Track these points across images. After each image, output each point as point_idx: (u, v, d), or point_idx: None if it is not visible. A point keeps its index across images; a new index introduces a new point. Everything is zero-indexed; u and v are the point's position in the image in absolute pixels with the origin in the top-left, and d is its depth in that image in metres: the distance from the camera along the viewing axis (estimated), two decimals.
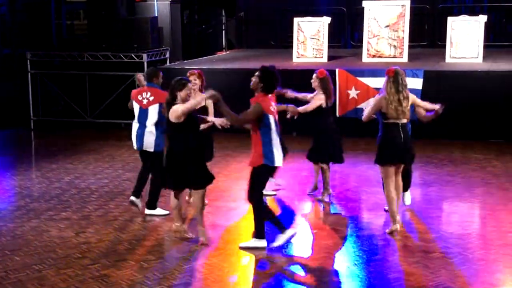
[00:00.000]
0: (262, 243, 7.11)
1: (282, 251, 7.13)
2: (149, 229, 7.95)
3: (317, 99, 8.60)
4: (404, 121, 7.41)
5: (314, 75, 8.70)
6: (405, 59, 14.04)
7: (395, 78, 7.33)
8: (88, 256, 7.06)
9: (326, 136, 8.70)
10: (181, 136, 7.06)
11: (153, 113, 8.08)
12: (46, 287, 6.31)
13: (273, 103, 7.09)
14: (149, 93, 8.12)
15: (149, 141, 8.11)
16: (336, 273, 6.65)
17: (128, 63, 14.46)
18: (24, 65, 14.92)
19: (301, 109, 8.40)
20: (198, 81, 8.30)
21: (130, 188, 9.70)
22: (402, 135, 7.37)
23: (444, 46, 14.29)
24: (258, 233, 7.11)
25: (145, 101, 8.12)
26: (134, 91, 8.36)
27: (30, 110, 14.93)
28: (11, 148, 13.54)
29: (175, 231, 7.48)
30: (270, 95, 7.09)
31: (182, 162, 7.04)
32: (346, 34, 18.03)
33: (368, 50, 14.36)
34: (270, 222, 7.13)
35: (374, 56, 14.26)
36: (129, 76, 14.43)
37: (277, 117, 7.08)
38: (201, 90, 8.27)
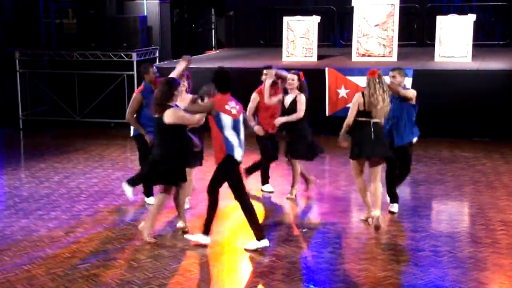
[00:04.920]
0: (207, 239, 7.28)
1: (273, 251, 7.15)
2: (139, 228, 7.92)
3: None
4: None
5: (295, 77, 8.80)
6: (394, 58, 14.07)
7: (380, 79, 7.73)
8: (78, 256, 7.04)
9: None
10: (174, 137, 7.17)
11: None
12: (35, 287, 6.29)
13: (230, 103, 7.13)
14: None
15: None
16: (326, 271, 6.66)
17: (118, 62, 14.42)
18: (13, 64, 14.86)
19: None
20: (185, 83, 8.33)
21: (119, 187, 9.68)
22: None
23: (433, 45, 14.34)
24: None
25: None
26: None
27: (18, 109, 14.86)
28: None
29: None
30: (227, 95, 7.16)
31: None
32: (336, 33, 18.07)
33: (357, 49, 14.39)
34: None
35: (363, 55, 14.29)
36: (118, 75, 14.41)
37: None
38: (187, 92, 8.30)
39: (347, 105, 12.69)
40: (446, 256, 6.96)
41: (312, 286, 6.35)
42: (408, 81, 12.36)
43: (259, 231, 7.19)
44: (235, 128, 7.06)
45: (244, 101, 8.42)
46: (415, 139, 8.25)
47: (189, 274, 6.55)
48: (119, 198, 9.21)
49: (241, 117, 7.15)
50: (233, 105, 7.08)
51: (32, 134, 14.33)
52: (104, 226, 8.01)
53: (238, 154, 7.07)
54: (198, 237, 7.29)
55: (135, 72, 14.12)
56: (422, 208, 8.54)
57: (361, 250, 7.19)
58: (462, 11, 16.05)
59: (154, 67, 8.86)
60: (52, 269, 6.69)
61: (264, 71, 8.96)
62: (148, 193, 8.85)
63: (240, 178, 7.18)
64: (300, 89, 8.72)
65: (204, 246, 7.23)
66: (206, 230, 7.26)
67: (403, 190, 9.49)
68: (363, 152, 7.73)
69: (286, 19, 15.00)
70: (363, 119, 7.69)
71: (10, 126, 14.82)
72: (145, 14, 15.59)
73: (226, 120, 7.01)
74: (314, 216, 8.55)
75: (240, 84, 13.40)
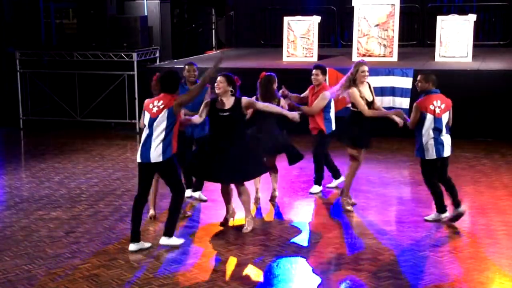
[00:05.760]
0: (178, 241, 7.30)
1: (274, 251, 7.16)
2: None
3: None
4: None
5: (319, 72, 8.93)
6: (395, 58, 14.07)
7: None
8: (78, 256, 7.04)
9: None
10: None
11: None
12: (35, 287, 6.29)
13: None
14: None
15: None
16: (325, 272, 6.66)
17: (118, 62, 14.43)
18: (13, 64, 14.86)
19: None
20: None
21: (120, 188, 9.72)
22: None
23: (434, 45, 14.34)
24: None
25: None
26: None
27: (19, 109, 14.87)
28: (0, 147, 13.50)
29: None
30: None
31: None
32: (336, 33, 18.07)
33: (358, 49, 14.39)
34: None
35: (364, 55, 14.27)
36: (119, 75, 14.41)
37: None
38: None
39: (348, 105, 12.72)
40: (446, 256, 6.96)
41: (312, 285, 6.35)
42: (408, 82, 12.41)
43: (172, 230, 7.23)
44: (150, 125, 7.02)
45: None
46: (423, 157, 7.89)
47: (189, 274, 6.55)
48: (119, 198, 9.21)
49: (162, 114, 6.95)
50: (157, 104, 7.02)
51: (32, 134, 14.33)
52: (105, 226, 8.01)
53: (138, 154, 7.08)
54: (172, 240, 7.24)
55: (135, 72, 14.13)
56: (422, 208, 8.53)
57: (361, 250, 7.19)
58: (463, 11, 16.06)
59: (195, 65, 8.73)
60: (53, 269, 6.69)
61: (314, 71, 8.90)
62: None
63: (142, 178, 7.16)
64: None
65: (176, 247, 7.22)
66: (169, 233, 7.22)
67: (403, 190, 9.52)
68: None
69: (286, 19, 15.00)
70: None
71: (11, 126, 14.83)
72: (146, 14, 15.59)
73: (146, 118, 7.07)
74: (315, 216, 8.54)
75: (241, 84, 13.43)
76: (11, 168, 11.05)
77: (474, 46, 14.11)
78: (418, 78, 8.00)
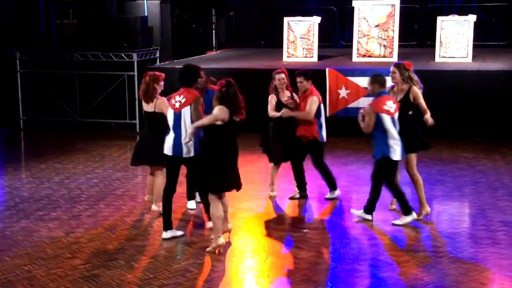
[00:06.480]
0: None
1: (273, 251, 7.15)
2: (139, 228, 7.93)
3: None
4: None
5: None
6: (395, 58, 14.05)
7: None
8: (78, 256, 7.04)
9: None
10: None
11: None
12: (36, 287, 6.30)
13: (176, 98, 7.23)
14: None
15: None
16: (326, 272, 6.66)
17: (118, 63, 14.43)
18: (13, 65, 14.87)
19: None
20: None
21: (120, 188, 9.71)
22: None
23: (434, 46, 14.35)
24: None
25: None
26: None
27: (19, 109, 14.87)
28: (0, 147, 13.49)
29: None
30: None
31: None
32: (336, 33, 18.08)
33: (358, 49, 14.40)
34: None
35: (364, 55, 14.29)
36: (119, 76, 14.41)
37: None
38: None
39: (348, 106, 12.74)
40: (446, 256, 6.96)
41: (312, 286, 6.35)
42: None
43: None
44: (175, 121, 7.17)
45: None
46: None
47: (189, 274, 6.55)
48: (119, 198, 9.21)
49: (184, 111, 7.11)
50: (178, 99, 7.18)
51: (32, 135, 14.34)
52: (105, 227, 8.01)
53: (167, 147, 7.21)
54: (173, 232, 7.50)
55: (135, 73, 14.13)
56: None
57: (361, 251, 7.19)
58: (463, 12, 16.07)
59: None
60: (53, 269, 6.69)
61: (297, 79, 8.76)
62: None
63: (171, 170, 7.37)
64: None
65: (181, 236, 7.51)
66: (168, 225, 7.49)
67: (404, 191, 9.51)
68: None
69: (286, 19, 15.01)
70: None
71: (11, 126, 14.83)
72: (146, 14, 15.60)
73: (170, 115, 7.23)
74: (315, 216, 8.55)
75: (241, 85, 13.45)
76: (11, 168, 11.05)
77: (474, 46, 14.12)
78: (367, 82, 7.99)
